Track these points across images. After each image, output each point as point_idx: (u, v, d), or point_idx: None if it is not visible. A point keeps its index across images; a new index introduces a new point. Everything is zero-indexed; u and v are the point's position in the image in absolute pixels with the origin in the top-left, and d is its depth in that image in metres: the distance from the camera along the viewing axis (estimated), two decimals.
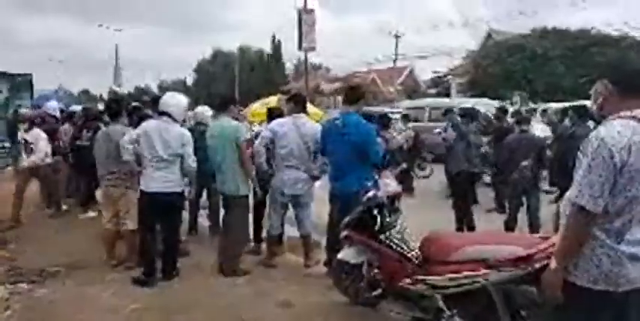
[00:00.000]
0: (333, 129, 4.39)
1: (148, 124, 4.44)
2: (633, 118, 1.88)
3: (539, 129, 8.64)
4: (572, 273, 1.95)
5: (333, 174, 4.42)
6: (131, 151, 4.42)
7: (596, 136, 1.89)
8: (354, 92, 4.48)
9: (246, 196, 4.70)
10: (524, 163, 5.54)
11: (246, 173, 4.58)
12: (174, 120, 4.43)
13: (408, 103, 16.92)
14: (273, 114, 5.42)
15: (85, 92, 63.77)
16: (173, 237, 4.56)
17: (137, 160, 4.50)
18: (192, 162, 4.41)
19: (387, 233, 3.50)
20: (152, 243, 4.42)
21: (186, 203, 5.26)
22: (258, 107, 13.23)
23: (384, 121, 7.44)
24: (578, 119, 6.22)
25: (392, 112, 11.92)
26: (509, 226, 5.59)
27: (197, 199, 5.83)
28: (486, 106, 12.50)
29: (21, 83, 13.97)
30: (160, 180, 4.30)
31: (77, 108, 14.62)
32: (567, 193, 2.00)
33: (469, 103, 11.68)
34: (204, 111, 6.04)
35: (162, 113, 4.44)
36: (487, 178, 8.22)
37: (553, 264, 1.99)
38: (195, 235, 5.94)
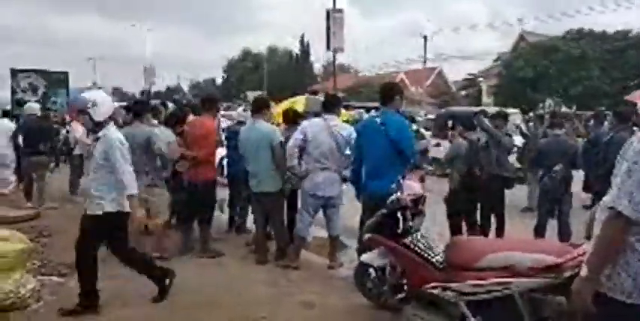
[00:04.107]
0: (371, 127, 4.31)
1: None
2: None
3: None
4: (605, 284, 1.87)
5: (368, 173, 4.29)
6: None
7: (638, 139, 1.81)
8: (386, 91, 4.37)
9: (282, 191, 4.96)
10: (556, 168, 5.38)
11: (281, 173, 4.83)
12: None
13: None
14: (288, 116, 5.45)
15: (117, 90, 65.49)
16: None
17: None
18: None
19: (411, 237, 3.45)
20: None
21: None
22: (284, 106, 13.29)
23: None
24: (618, 123, 5.98)
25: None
26: (539, 232, 5.44)
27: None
28: None
29: (57, 81, 14.42)
30: None
31: (116, 104, 15.06)
32: (604, 199, 1.93)
33: None
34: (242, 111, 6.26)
35: None
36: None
37: (584, 272, 1.91)
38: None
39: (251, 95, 28.56)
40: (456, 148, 5.29)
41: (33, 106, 8.09)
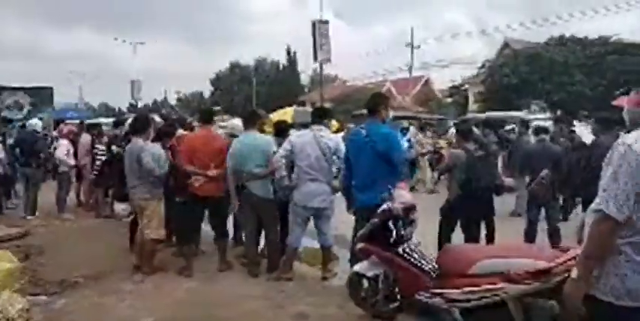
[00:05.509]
0: (358, 139, 4.31)
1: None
2: None
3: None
4: (595, 286, 1.90)
5: (357, 186, 4.28)
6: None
7: (622, 142, 1.86)
8: (371, 102, 4.37)
9: (274, 200, 4.94)
10: (543, 173, 5.44)
11: (272, 182, 4.90)
12: None
13: None
14: (280, 127, 5.46)
15: (104, 105, 65.27)
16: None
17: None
18: None
19: (403, 246, 3.48)
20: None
21: None
22: (275, 118, 13.36)
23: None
24: (601, 128, 6.09)
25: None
26: (529, 237, 5.49)
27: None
28: None
29: (42, 97, 14.32)
30: None
31: (103, 120, 15.16)
32: (592, 205, 1.96)
33: None
34: (238, 123, 6.05)
35: None
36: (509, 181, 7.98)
37: (574, 273, 1.94)
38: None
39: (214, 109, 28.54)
40: (454, 158, 5.23)
41: (36, 123, 8.61)
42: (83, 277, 4.86)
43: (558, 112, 17.81)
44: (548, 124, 10.08)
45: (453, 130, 12.50)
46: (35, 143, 8.00)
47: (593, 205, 1.94)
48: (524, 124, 9.46)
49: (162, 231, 4.99)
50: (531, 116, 13.92)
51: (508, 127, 10.29)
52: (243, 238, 5.48)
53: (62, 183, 8.15)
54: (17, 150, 8.24)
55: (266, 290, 4.49)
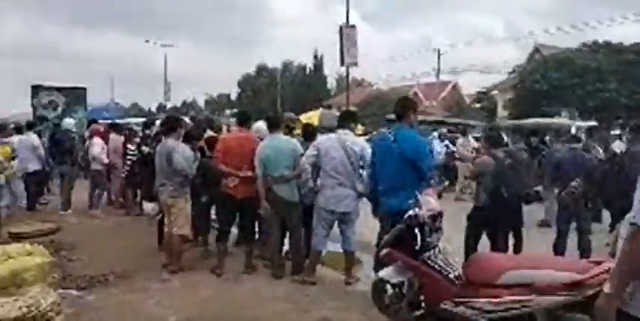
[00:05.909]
0: (384, 143, 4.30)
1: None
2: None
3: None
4: (629, 303, 1.85)
5: (383, 191, 4.25)
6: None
7: None
8: (399, 107, 4.35)
9: (299, 203, 4.98)
10: (574, 183, 5.31)
11: (298, 185, 4.94)
12: None
13: None
14: (307, 131, 5.49)
15: (135, 105, 66.77)
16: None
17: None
18: None
19: (429, 253, 3.44)
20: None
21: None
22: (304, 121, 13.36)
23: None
24: (635, 137, 5.90)
25: None
26: (559, 249, 5.35)
27: None
28: None
29: (76, 97, 14.71)
30: None
31: (132, 120, 15.50)
32: (627, 215, 1.91)
33: None
34: (263, 126, 6.06)
35: None
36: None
37: (607, 288, 1.88)
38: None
39: (228, 112, 28.86)
40: (482, 166, 5.15)
41: (70, 122, 8.89)
42: (112, 274, 4.97)
43: (593, 121, 17.36)
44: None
45: (470, 137, 12.41)
46: (69, 142, 8.29)
47: (627, 218, 1.89)
48: (559, 132, 9.25)
49: (187, 229, 5.10)
50: (581, 123, 13.59)
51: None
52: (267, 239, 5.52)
53: (97, 181, 8.38)
54: (53, 149, 8.52)
55: (290, 293, 4.52)
